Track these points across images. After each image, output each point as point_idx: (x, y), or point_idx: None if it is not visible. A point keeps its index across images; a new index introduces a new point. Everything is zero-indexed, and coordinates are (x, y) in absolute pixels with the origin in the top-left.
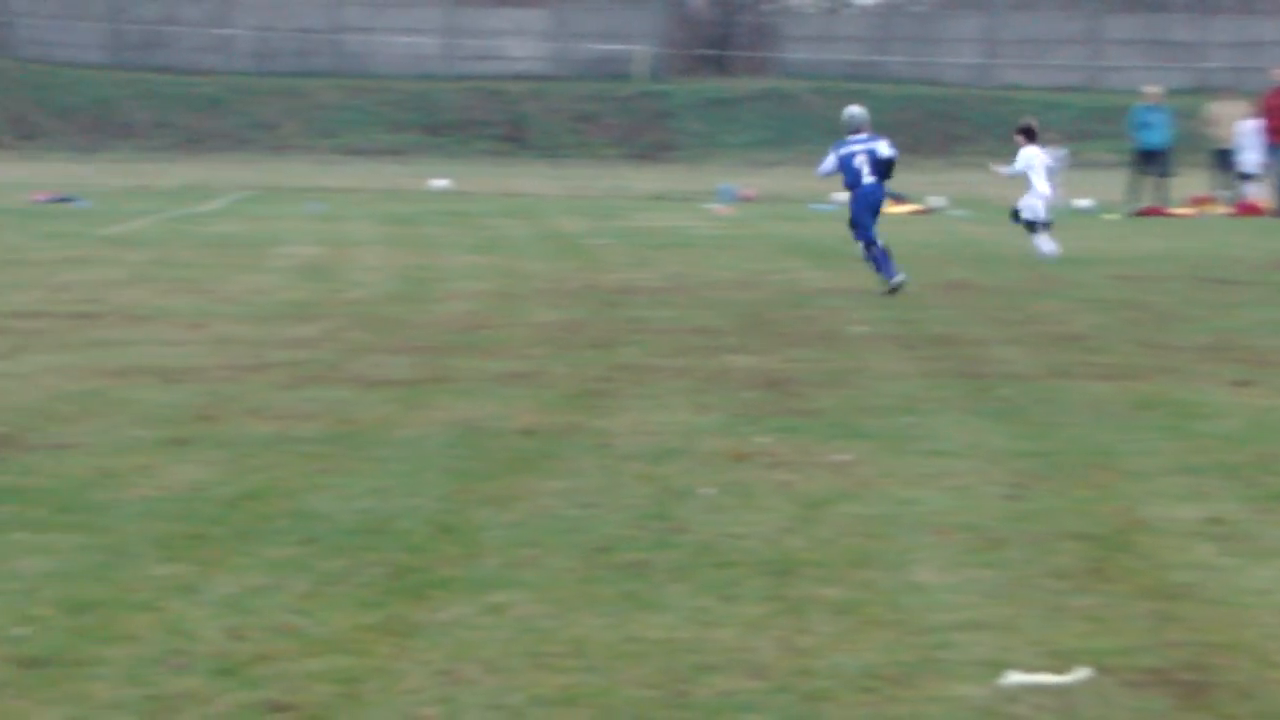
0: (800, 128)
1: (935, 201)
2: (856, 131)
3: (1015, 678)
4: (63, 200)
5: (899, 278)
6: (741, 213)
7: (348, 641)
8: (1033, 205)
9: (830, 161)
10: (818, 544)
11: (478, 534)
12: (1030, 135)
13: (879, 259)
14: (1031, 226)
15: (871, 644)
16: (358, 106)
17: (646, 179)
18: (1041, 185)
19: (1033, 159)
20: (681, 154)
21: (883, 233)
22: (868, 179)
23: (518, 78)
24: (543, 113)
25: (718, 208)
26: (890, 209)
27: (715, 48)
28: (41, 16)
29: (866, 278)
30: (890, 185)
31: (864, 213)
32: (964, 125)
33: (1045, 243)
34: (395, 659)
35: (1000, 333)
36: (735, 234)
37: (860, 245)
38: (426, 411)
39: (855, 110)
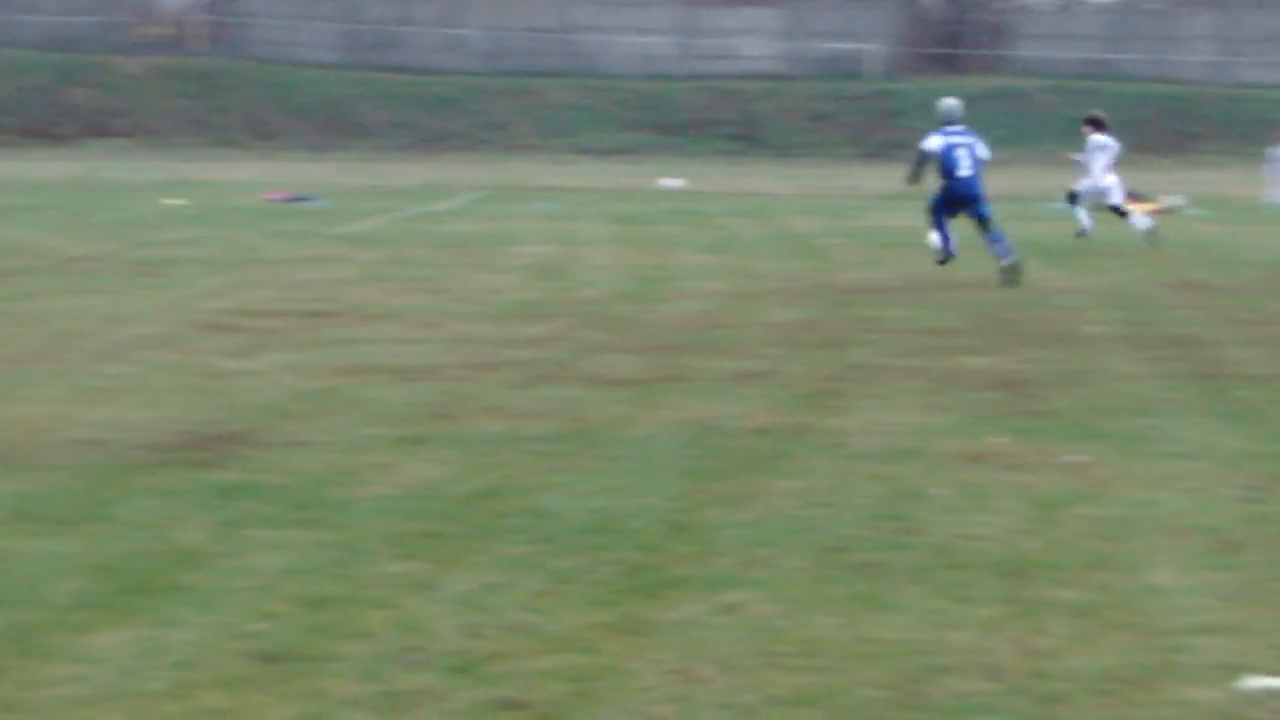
0: (1034, 126)
1: (1172, 201)
2: (952, 123)
3: (1254, 682)
4: (297, 200)
5: (948, 255)
6: None
7: (581, 640)
8: (1095, 188)
9: (938, 142)
10: (1053, 546)
11: (710, 533)
12: (1098, 125)
13: (945, 235)
14: (1116, 209)
15: (1108, 647)
16: (589, 106)
17: (878, 178)
18: (1097, 172)
19: (1097, 147)
20: (911, 152)
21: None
22: (964, 172)
23: (750, 77)
24: (775, 112)
25: None
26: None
27: (948, 46)
28: (277, 18)
29: (1103, 277)
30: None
31: (949, 203)
32: (1201, 124)
33: (1085, 218)
34: (628, 658)
35: (1237, 333)
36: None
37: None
38: (659, 410)
39: (953, 103)
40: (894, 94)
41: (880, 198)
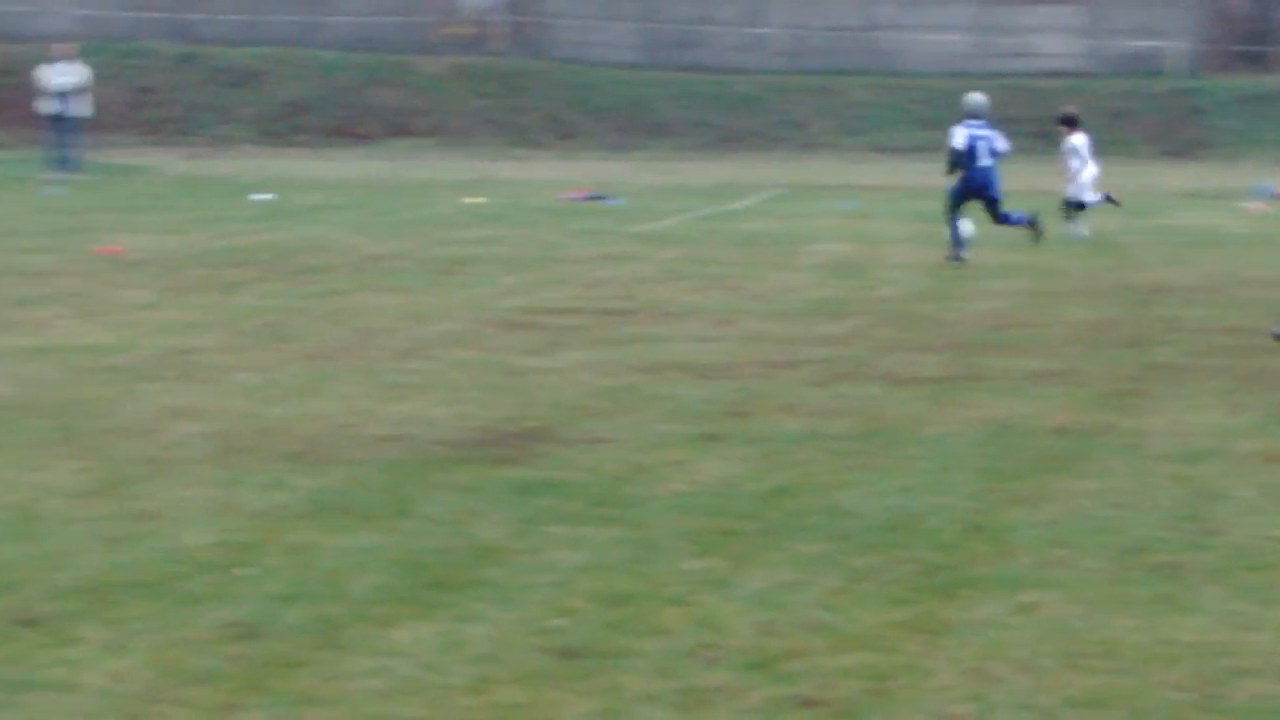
0: None
1: None
2: (975, 117)
3: None
4: (595, 198)
5: (963, 255)
6: (1277, 210)
7: (877, 638)
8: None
9: (962, 135)
10: None
11: (1008, 533)
12: (1071, 123)
13: (956, 233)
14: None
15: None
16: (888, 104)
17: (1179, 176)
18: (1076, 171)
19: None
20: (1215, 151)
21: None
22: (983, 162)
23: (1050, 75)
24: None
25: (1252, 205)
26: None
27: (1253, 44)
28: (577, 18)
29: None
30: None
31: (967, 192)
32: None
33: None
34: (925, 657)
35: None
36: (1270, 232)
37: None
38: (956, 409)
39: (979, 98)
40: (1197, 92)
41: (1182, 196)
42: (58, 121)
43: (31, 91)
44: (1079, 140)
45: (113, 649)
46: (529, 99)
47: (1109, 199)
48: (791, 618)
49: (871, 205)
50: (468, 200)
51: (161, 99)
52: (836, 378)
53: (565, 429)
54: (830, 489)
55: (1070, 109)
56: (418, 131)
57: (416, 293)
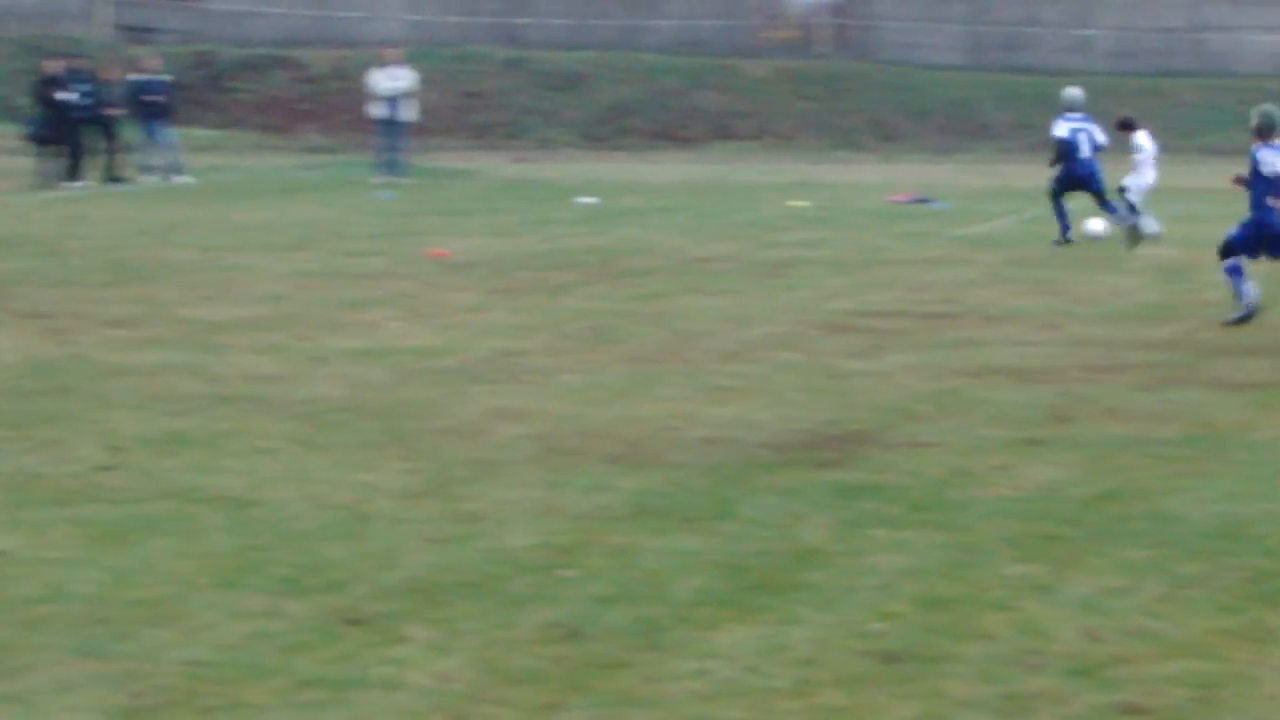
0: None
1: None
2: (1074, 111)
3: None
4: (919, 201)
5: (1070, 238)
6: None
7: (1205, 646)
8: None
9: (1064, 128)
10: None
11: None
12: (1129, 126)
13: (1063, 216)
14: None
15: None
16: (1217, 106)
17: None
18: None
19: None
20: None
21: None
22: (1085, 154)
23: None
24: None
25: None
26: None
27: None
28: (902, 20)
29: None
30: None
31: (1072, 181)
32: None
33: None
34: (1254, 665)
35: None
36: None
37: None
38: None
39: (1076, 92)
40: None
41: None
42: (387, 125)
43: (362, 96)
44: (1143, 140)
45: (438, 648)
46: (852, 101)
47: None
48: (1116, 624)
49: (1196, 208)
50: (791, 203)
51: (489, 103)
52: (1162, 382)
53: (888, 432)
54: (1156, 495)
55: (1127, 114)
56: (741, 134)
57: (740, 295)
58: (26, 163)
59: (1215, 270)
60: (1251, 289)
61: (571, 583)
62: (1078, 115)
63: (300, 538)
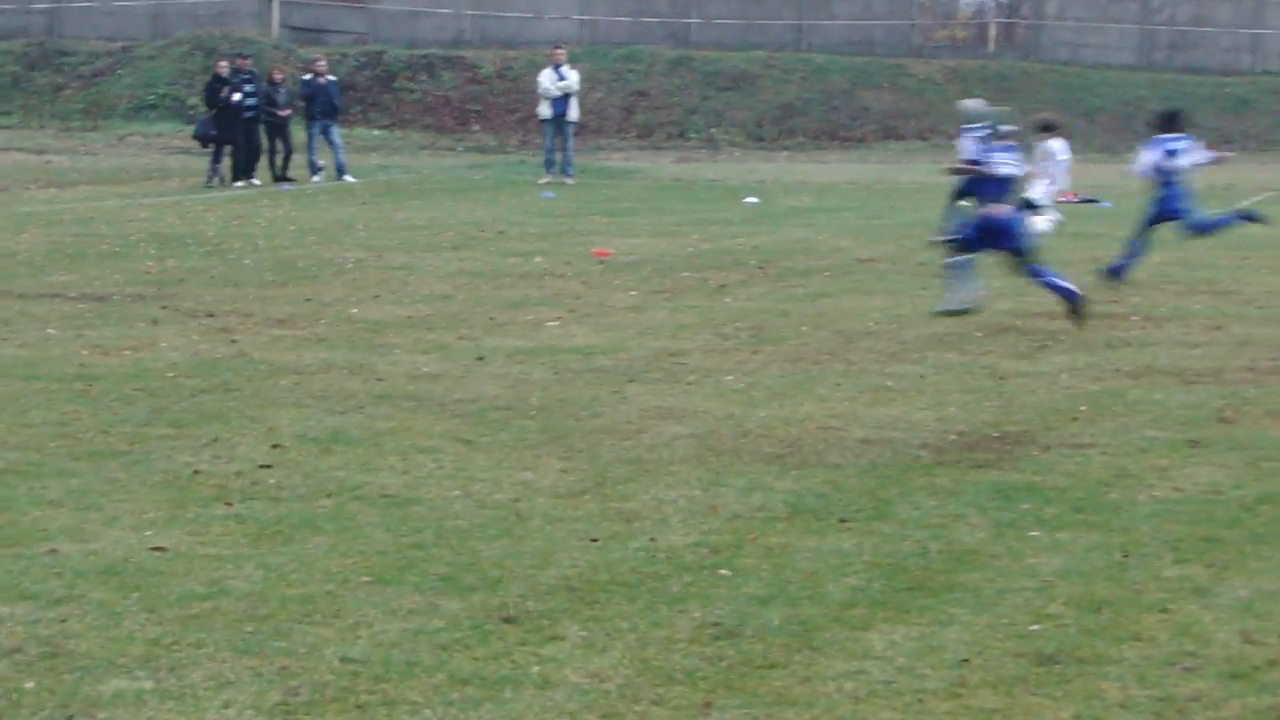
0: None
1: None
2: (973, 124)
3: None
4: (1087, 201)
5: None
6: None
7: None
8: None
9: (973, 147)
10: None
11: None
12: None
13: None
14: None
15: None
16: None
17: None
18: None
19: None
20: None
21: None
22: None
23: None
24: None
25: None
26: None
27: None
28: (1072, 19)
29: None
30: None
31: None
32: None
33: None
34: None
35: None
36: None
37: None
38: None
39: (975, 104)
40: None
41: None
42: (554, 125)
43: (528, 96)
44: (1056, 145)
45: (593, 647)
46: (1021, 101)
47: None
48: (1275, 627)
49: None
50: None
51: (655, 103)
52: None
53: (1048, 433)
54: None
55: (1049, 116)
56: (909, 134)
57: (902, 296)
58: (195, 162)
59: None
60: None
61: (727, 582)
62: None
63: (458, 536)
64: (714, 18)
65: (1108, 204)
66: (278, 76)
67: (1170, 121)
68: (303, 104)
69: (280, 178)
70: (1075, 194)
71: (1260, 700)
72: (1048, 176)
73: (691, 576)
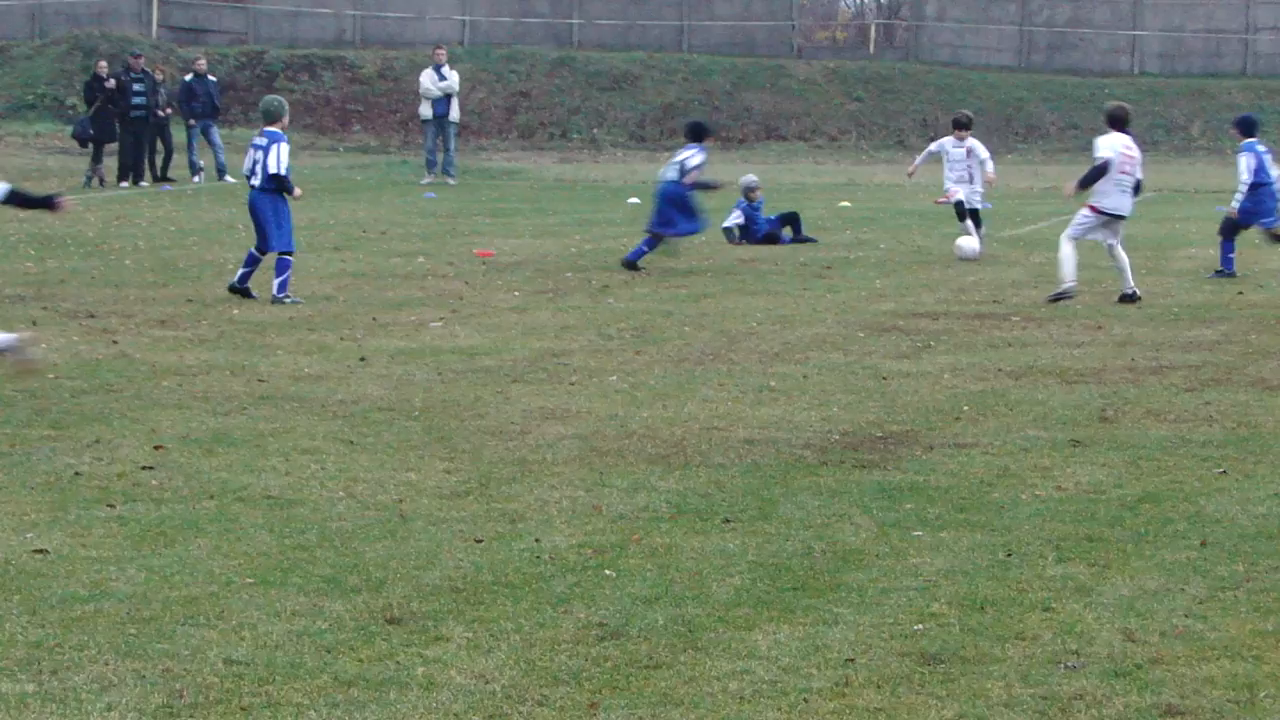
0: None
1: None
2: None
3: None
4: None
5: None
6: None
7: (1245, 647)
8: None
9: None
10: None
11: None
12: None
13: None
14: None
15: None
16: (1270, 108)
17: None
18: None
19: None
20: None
21: None
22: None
23: None
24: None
25: None
26: None
27: None
28: (951, 21)
29: None
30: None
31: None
32: None
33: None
34: None
35: None
36: None
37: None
38: None
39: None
40: None
41: None
42: (435, 126)
43: (410, 97)
44: (975, 144)
45: (477, 648)
46: (901, 102)
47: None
48: (1156, 625)
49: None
50: (840, 204)
51: (537, 103)
52: (1206, 384)
53: (931, 433)
54: (1198, 496)
55: (966, 112)
56: (790, 135)
57: (785, 296)
58: (74, 163)
59: (1261, 272)
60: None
61: (612, 583)
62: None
63: (341, 537)
64: (595, 18)
65: (987, 205)
66: (158, 76)
67: (1250, 127)
68: (182, 104)
69: (161, 178)
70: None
71: (1143, 699)
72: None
73: (576, 577)
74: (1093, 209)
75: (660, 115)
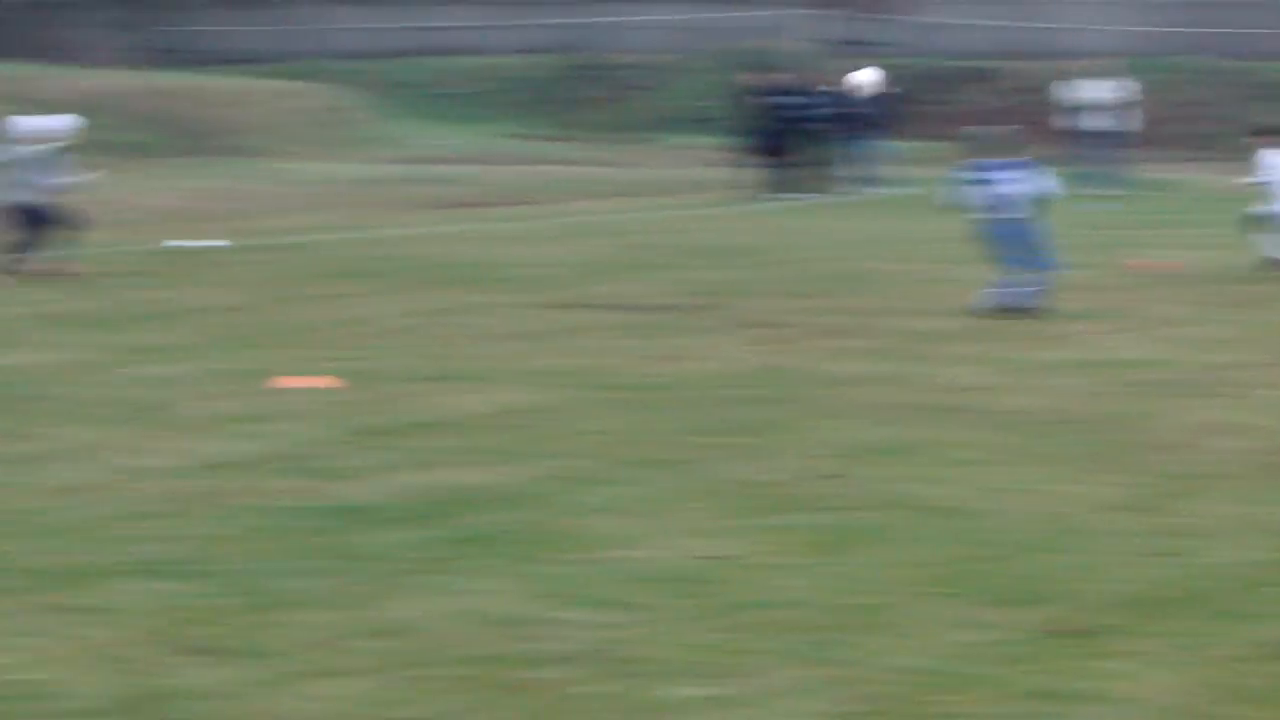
0: None
1: None
2: None
3: None
4: None
5: None
6: None
7: None
8: None
9: None
10: None
11: None
12: None
13: None
14: None
15: None
16: None
17: None
18: None
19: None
20: None
21: None
22: None
23: None
24: None
25: None
26: None
27: None
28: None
29: None
30: None
31: None
32: None
33: None
34: None
35: None
36: None
37: None
38: None
39: None
40: None
41: None
42: (1097, 137)
43: (1071, 108)
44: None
45: (1151, 663)
46: None
47: None
48: None
49: None
50: None
51: (1194, 114)
52: None
53: None
54: None
55: None
56: None
57: None
58: (724, 175)
59: None
60: None
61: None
62: None
63: (1012, 548)
64: (1251, 28)
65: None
66: (817, 88)
67: None
68: (842, 116)
69: (819, 190)
70: None
71: None
72: None
73: (1247, 593)
74: None
75: None
